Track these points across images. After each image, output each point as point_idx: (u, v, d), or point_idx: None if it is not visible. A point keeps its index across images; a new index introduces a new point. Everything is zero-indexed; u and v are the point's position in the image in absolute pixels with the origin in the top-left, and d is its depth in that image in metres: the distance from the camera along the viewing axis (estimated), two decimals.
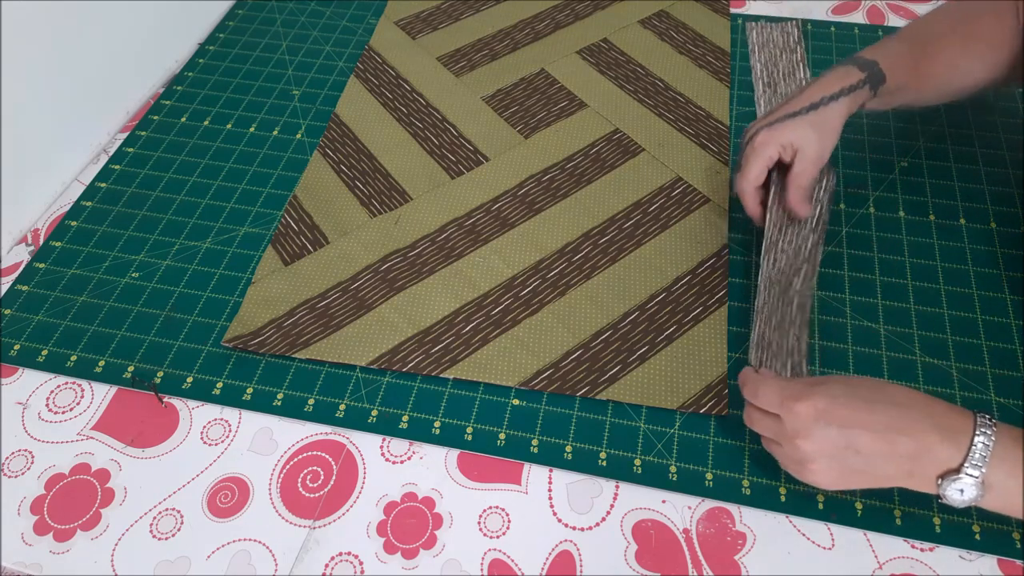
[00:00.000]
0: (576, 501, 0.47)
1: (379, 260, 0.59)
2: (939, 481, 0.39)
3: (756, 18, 0.78)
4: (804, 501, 0.46)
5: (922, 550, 0.44)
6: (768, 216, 0.55)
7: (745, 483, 0.47)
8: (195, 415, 0.51)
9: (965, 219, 0.60)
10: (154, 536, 0.46)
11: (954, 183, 0.62)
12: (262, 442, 0.50)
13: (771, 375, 0.45)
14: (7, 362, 0.54)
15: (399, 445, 0.50)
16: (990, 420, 0.39)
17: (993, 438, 0.38)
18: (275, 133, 0.69)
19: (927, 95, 0.58)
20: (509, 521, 0.46)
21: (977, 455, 0.38)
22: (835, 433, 0.40)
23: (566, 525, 0.46)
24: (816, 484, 0.42)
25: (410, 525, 0.46)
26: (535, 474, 0.48)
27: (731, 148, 0.65)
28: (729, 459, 0.48)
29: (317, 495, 0.48)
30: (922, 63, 0.55)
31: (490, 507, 0.47)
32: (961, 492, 0.38)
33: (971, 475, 0.38)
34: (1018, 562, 0.44)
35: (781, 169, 0.56)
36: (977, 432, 0.38)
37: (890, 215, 0.60)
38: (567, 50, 0.76)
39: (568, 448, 0.49)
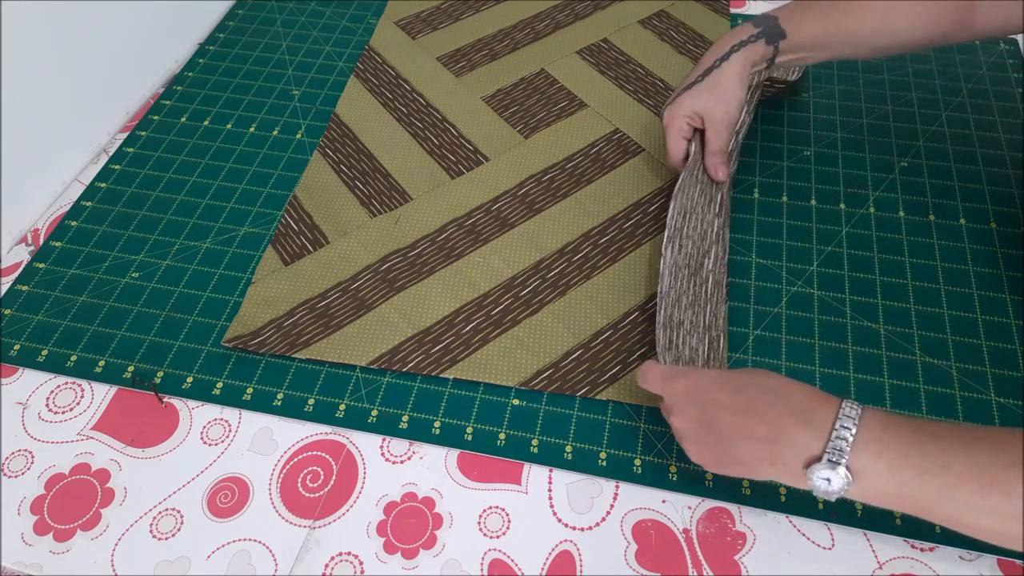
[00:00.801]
0: (576, 501, 0.47)
1: (379, 260, 0.59)
2: (805, 471, 0.38)
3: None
4: (804, 501, 0.46)
5: (922, 550, 0.44)
6: (672, 204, 0.55)
7: (745, 483, 0.47)
8: (195, 415, 0.52)
9: (965, 219, 0.60)
10: (154, 536, 0.46)
11: (954, 183, 0.62)
12: (262, 442, 0.50)
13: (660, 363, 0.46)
14: (7, 362, 0.54)
15: (399, 445, 0.50)
16: (855, 405, 0.38)
17: (856, 421, 0.37)
18: (275, 133, 0.69)
19: (855, 51, 0.56)
20: (509, 521, 0.46)
21: (838, 439, 0.37)
22: (698, 411, 0.41)
23: (566, 525, 0.46)
24: (700, 464, 0.43)
25: (410, 525, 0.46)
26: (535, 474, 0.48)
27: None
28: None
29: (317, 495, 0.48)
30: (839, 17, 0.54)
31: (490, 507, 0.47)
32: (828, 481, 0.37)
33: (832, 460, 0.37)
34: (1018, 562, 0.44)
35: (701, 137, 0.58)
36: (839, 416, 0.37)
37: (890, 215, 0.60)
38: (567, 50, 0.76)
39: (568, 448, 0.49)
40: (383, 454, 0.49)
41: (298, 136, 0.69)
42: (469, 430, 0.50)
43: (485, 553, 0.45)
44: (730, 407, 0.40)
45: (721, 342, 0.51)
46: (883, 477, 0.37)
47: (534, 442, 0.49)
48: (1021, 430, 0.36)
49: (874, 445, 0.37)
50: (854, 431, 0.37)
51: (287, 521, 0.47)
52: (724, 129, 0.56)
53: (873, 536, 0.45)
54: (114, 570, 0.45)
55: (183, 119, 0.71)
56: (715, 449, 0.41)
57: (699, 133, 0.58)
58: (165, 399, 0.52)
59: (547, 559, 0.45)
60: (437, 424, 0.50)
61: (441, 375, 0.52)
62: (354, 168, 0.66)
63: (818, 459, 0.37)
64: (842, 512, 0.45)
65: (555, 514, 0.47)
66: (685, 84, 0.57)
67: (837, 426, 0.37)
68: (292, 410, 0.51)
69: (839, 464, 0.37)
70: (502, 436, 0.49)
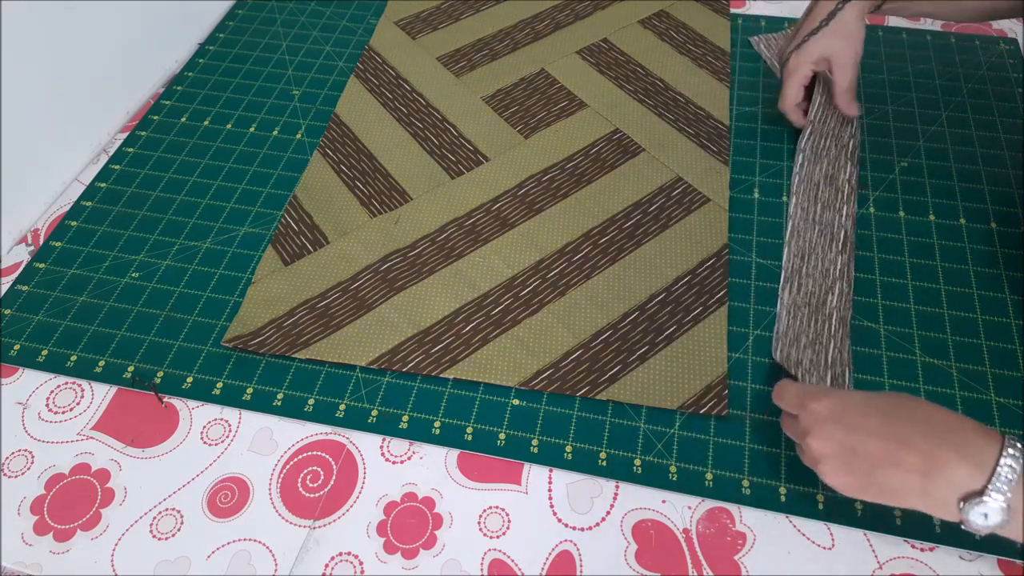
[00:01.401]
0: (576, 501, 0.47)
1: (379, 260, 0.59)
2: (961, 505, 0.36)
3: (756, 18, 0.78)
4: (804, 501, 0.46)
5: (922, 550, 0.44)
6: (786, 250, 0.57)
7: (745, 483, 0.47)
8: (195, 415, 0.51)
9: (965, 219, 0.60)
10: (154, 536, 0.46)
11: (954, 183, 0.62)
12: (262, 442, 0.50)
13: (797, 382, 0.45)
14: (7, 362, 0.54)
15: (399, 445, 0.50)
16: (1020, 442, 0.36)
17: (1022, 460, 0.36)
18: (275, 133, 0.69)
19: (946, 11, 0.62)
20: (509, 521, 0.46)
21: (1003, 476, 0.35)
22: (841, 434, 0.39)
23: (566, 525, 0.46)
24: (835, 488, 0.41)
25: (410, 525, 0.46)
26: (535, 474, 0.48)
27: (731, 148, 0.65)
28: (729, 459, 0.48)
29: (317, 495, 0.48)
30: None
31: (490, 507, 0.47)
32: (985, 517, 0.36)
33: (995, 498, 0.35)
34: (1018, 562, 0.44)
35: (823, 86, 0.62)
36: (1004, 453, 0.36)
37: (890, 215, 0.60)
38: (567, 50, 0.76)
39: (568, 448, 0.49)
40: (383, 454, 0.49)
41: (298, 136, 0.69)
42: (469, 430, 0.50)
43: (485, 553, 0.45)
44: (878, 434, 0.38)
45: (846, 377, 0.50)
46: None
47: (534, 442, 0.49)
48: None
49: None
50: (1019, 469, 0.36)
51: (287, 521, 0.47)
52: (852, 68, 0.61)
53: (873, 536, 0.45)
54: (114, 570, 0.45)
55: (183, 119, 0.71)
56: (860, 475, 0.39)
57: (821, 80, 0.63)
58: (165, 399, 0.52)
59: (547, 559, 0.45)
60: (437, 424, 0.50)
61: (441, 375, 0.52)
62: (354, 168, 0.66)
63: (979, 494, 0.36)
64: (842, 512, 0.45)
65: (555, 514, 0.47)
66: (806, 31, 0.61)
67: (1001, 464, 0.36)
68: (292, 410, 0.51)
69: (1000, 502, 0.35)
70: (502, 436, 0.49)
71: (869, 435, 0.38)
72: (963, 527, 0.37)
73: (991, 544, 0.44)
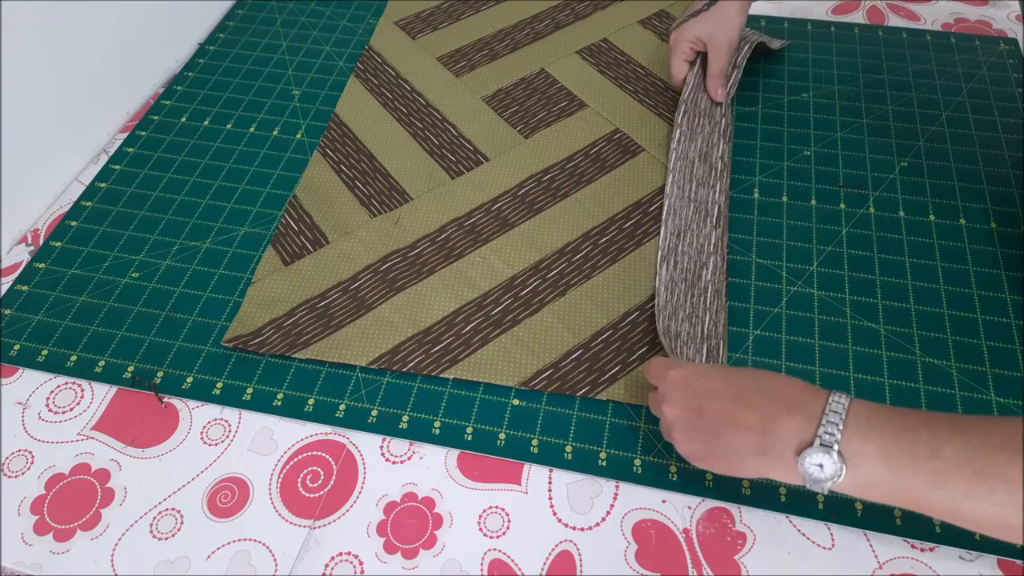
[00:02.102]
0: (576, 501, 0.47)
1: (379, 260, 0.59)
2: (796, 459, 0.37)
3: (756, 18, 0.78)
4: (804, 501, 0.46)
5: (922, 550, 0.44)
6: (663, 229, 0.58)
7: (745, 483, 0.47)
8: (195, 415, 0.51)
9: (965, 219, 0.60)
10: (154, 536, 0.46)
11: (954, 183, 0.62)
12: (262, 442, 0.50)
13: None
14: (7, 362, 0.54)
15: (399, 445, 0.50)
16: (844, 394, 0.38)
17: (846, 407, 0.37)
18: (275, 133, 0.69)
19: None
20: (509, 521, 0.46)
21: (828, 424, 0.37)
22: (690, 398, 0.42)
23: (566, 525, 0.46)
24: (683, 455, 0.43)
25: (410, 525, 0.46)
26: (535, 474, 0.48)
27: (731, 148, 0.65)
28: None
29: (317, 495, 0.48)
30: None
31: (490, 507, 0.47)
32: (821, 468, 0.37)
33: (824, 444, 0.36)
34: (1018, 562, 0.44)
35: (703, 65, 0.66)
36: (829, 403, 0.38)
37: (890, 215, 0.60)
38: (567, 50, 0.76)
39: (568, 448, 0.49)
40: (383, 454, 0.49)
41: (298, 136, 0.69)
42: (469, 430, 0.50)
43: (485, 553, 0.45)
44: (721, 395, 0.41)
45: (721, 349, 0.52)
46: (875, 464, 0.36)
47: (534, 442, 0.49)
48: (1017, 418, 0.35)
49: (864, 428, 0.37)
50: (844, 415, 0.37)
51: (287, 521, 0.47)
52: (725, 54, 0.64)
53: (873, 536, 0.45)
54: (114, 570, 0.45)
55: (183, 119, 0.71)
56: (705, 439, 0.41)
57: (701, 60, 0.66)
58: (165, 399, 0.52)
59: (547, 559, 0.45)
60: (437, 424, 0.50)
61: (441, 375, 0.52)
62: (354, 168, 0.66)
63: (809, 444, 0.37)
64: (842, 512, 0.45)
65: (555, 514, 0.47)
66: (690, 12, 0.65)
67: (827, 411, 0.37)
68: (292, 410, 0.51)
69: (831, 448, 0.36)
70: (502, 436, 0.49)
71: (713, 396, 0.41)
72: (807, 486, 0.38)
73: (991, 544, 0.44)
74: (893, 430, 0.36)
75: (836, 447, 0.37)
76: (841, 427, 0.37)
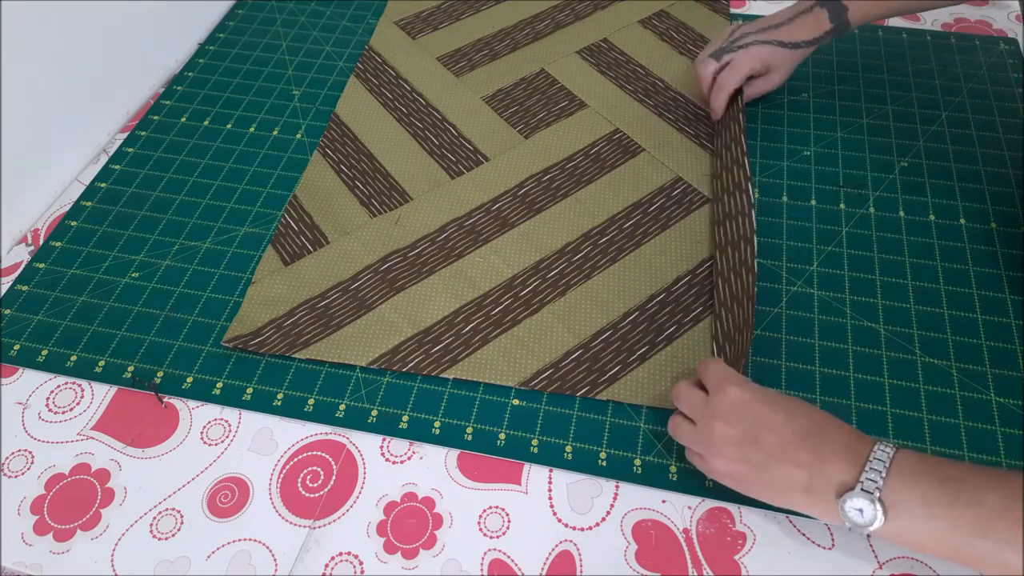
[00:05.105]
0: (576, 501, 0.47)
1: (379, 260, 0.59)
2: (838, 502, 0.38)
3: (756, 18, 0.78)
4: None
5: None
6: (751, 246, 0.54)
7: None
8: (195, 415, 0.51)
9: (965, 219, 0.60)
10: (154, 536, 0.46)
11: (954, 183, 0.62)
12: (262, 442, 0.50)
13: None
14: (7, 362, 0.54)
15: (399, 445, 0.50)
16: (890, 442, 0.39)
17: (890, 455, 0.38)
18: (275, 133, 0.69)
19: (905, 9, 0.66)
20: (509, 521, 0.46)
21: (871, 470, 0.37)
22: (749, 424, 0.41)
23: (566, 525, 0.46)
24: (715, 475, 0.43)
25: (410, 525, 0.46)
26: (535, 474, 0.48)
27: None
28: None
29: (317, 495, 0.48)
30: None
31: (490, 507, 0.47)
32: (861, 512, 0.37)
33: (866, 490, 0.37)
34: None
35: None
36: (874, 449, 0.38)
37: (890, 215, 0.60)
38: (567, 50, 0.76)
39: (568, 448, 0.49)
40: (383, 454, 0.49)
41: (298, 136, 0.69)
42: (469, 430, 0.50)
43: (485, 553, 0.45)
44: (781, 431, 0.40)
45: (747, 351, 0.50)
46: (916, 511, 0.37)
47: (534, 442, 0.49)
48: None
49: (908, 476, 0.37)
50: (888, 464, 0.38)
51: (287, 521, 0.47)
52: (769, 89, 0.66)
53: (873, 536, 0.45)
54: (114, 570, 0.45)
55: (183, 119, 0.71)
56: (750, 467, 0.41)
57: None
58: (165, 399, 0.52)
59: (547, 559, 0.45)
60: (437, 424, 0.50)
61: (441, 375, 0.52)
62: (354, 168, 0.66)
63: (851, 488, 0.38)
64: None
65: (555, 514, 0.47)
66: (778, 38, 0.63)
67: (871, 458, 0.38)
68: (292, 410, 0.51)
69: (872, 494, 0.37)
70: (502, 436, 0.49)
71: (772, 430, 0.41)
72: (847, 528, 0.38)
73: None
74: (934, 480, 0.37)
75: (878, 494, 0.37)
76: (884, 475, 0.37)
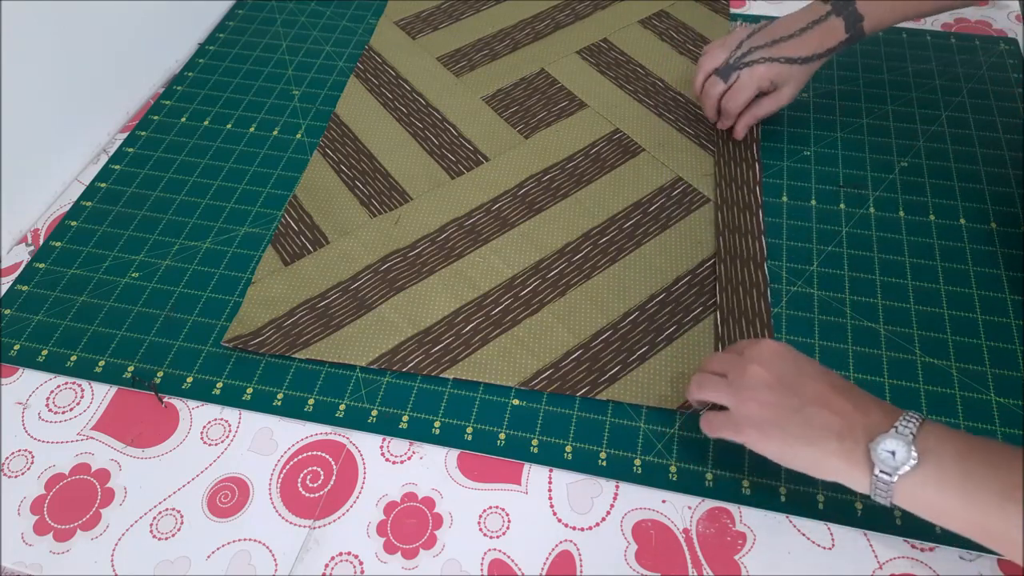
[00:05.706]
0: (576, 501, 0.47)
1: (379, 260, 0.59)
2: (869, 445, 0.38)
3: (756, 18, 0.78)
4: (804, 501, 0.46)
5: (922, 550, 0.44)
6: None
7: (745, 483, 0.47)
8: (195, 415, 0.51)
9: (965, 219, 0.60)
10: (154, 536, 0.46)
11: (954, 183, 0.62)
12: (262, 442, 0.50)
13: None
14: (7, 362, 0.54)
15: (399, 445, 0.50)
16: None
17: (922, 417, 0.39)
18: (275, 133, 0.69)
19: (918, 13, 0.62)
20: (509, 521, 0.46)
21: (908, 419, 0.38)
22: (789, 369, 0.42)
23: (566, 525, 0.46)
24: (741, 418, 0.42)
25: (410, 525, 0.46)
26: (535, 474, 0.48)
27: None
28: (729, 459, 0.48)
29: (317, 495, 0.48)
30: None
31: (490, 507, 0.47)
32: (892, 455, 0.37)
33: (902, 433, 0.37)
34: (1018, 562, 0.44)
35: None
36: (908, 412, 0.39)
37: (890, 215, 0.60)
38: (567, 50, 0.76)
39: (568, 448, 0.49)
40: (383, 454, 0.49)
41: (298, 136, 0.69)
42: (469, 430, 0.50)
43: (485, 553, 0.45)
44: (821, 380, 0.41)
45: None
46: (948, 464, 0.36)
47: (534, 442, 0.49)
48: None
49: (943, 433, 0.37)
50: (921, 421, 0.38)
51: (287, 521, 0.47)
52: (781, 106, 0.62)
53: (873, 536, 0.45)
54: (114, 570, 0.45)
55: (183, 119, 0.71)
56: (782, 411, 0.41)
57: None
58: (165, 399, 0.52)
59: (547, 559, 0.45)
60: (437, 424, 0.50)
61: (441, 375, 0.52)
62: (354, 168, 0.66)
63: (886, 431, 0.38)
64: (842, 512, 0.45)
65: (555, 514, 0.47)
66: (785, 54, 0.60)
67: (905, 415, 0.38)
68: (292, 410, 0.51)
69: (907, 437, 0.37)
70: (502, 436, 0.49)
71: (814, 379, 0.41)
72: (873, 488, 0.38)
73: None
74: (969, 442, 0.37)
75: (911, 438, 0.37)
76: (919, 424, 0.38)
